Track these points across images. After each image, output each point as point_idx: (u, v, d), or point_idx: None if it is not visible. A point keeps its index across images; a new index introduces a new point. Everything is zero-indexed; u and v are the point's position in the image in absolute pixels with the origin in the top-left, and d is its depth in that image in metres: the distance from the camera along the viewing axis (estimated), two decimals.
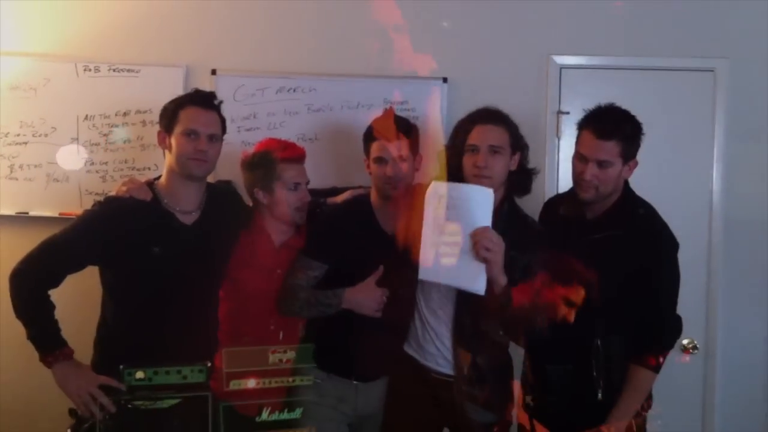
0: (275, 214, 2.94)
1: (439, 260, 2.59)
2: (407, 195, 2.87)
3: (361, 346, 2.84)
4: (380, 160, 2.85)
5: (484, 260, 2.49)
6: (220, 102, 2.84)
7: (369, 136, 2.91)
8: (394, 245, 2.80)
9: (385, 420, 2.95)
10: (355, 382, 2.92)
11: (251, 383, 2.57)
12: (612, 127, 2.67)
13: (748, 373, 3.78)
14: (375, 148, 2.87)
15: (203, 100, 2.77)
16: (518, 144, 2.74)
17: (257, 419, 2.79)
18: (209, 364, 2.58)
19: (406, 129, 2.88)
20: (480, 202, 2.53)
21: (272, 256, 2.94)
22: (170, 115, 2.74)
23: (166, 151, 2.78)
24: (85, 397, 2.52)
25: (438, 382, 2.78)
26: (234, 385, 2.52)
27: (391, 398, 2.95)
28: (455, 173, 2.73)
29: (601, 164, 2.66)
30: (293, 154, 2.94)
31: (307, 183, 2.96)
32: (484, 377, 2.75)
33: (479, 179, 2.65)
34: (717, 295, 3.76)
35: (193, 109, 2.73)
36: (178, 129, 2.71)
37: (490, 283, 2.52)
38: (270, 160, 2.91)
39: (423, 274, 2.66)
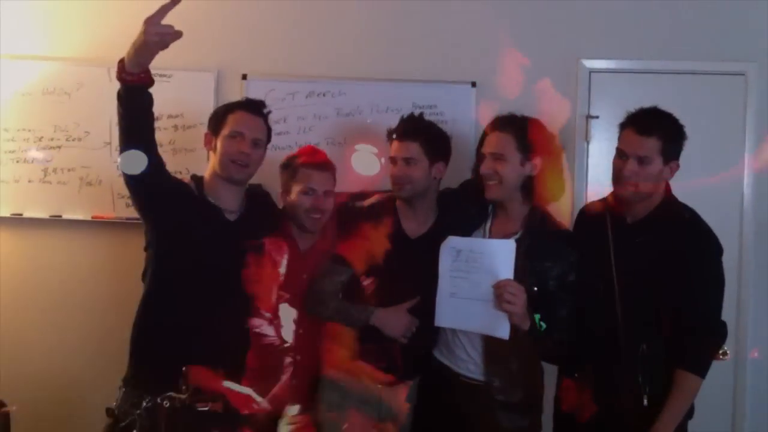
0: (290, 216, 2.96)
1: (459, 309, 2.69)
2: (426, 199, 2.95)
3: (385, 350, 2.86)
4: (392, 160, 2.93)
5: (507, 311, 2.56)
6: (269, 111, 2.91)
7: (387, 137, 2.98)
8: (416, 249, 2.86)
9: (413, 424, 2.94)
10: (378, 385, 2.91)
11: None
12: (653, 124, 2.67)
13: None
14: (390, 147, 2.94)
15: (253, 107, 2.86)
16: (533, 148, 2.72)
17: None
18: None
19: (415, 132, 2.92)
20: (502, 255, 2.61)
21: (297, 261, 2.93)
22: (219, 117, 2.82)
23: (211, 153, 2.84)
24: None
25: (469, 388, 2.78)
26: None
27: (420, 403, 2.94)
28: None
29: (641, 161, 2.64)
30: (313, 159, 2.96)
31: (327, 192, 2.94)
32: (516, 383, 2.75)
33: (487, 188, 2.73)
34: (748, 301, 3.74)
35: (242, 114, 2.81)
36: (224, 131, 2.78)
37: (514, 327, 2.60)
38: (293, 164, 2.96)
39: (441, 321, 2.76)
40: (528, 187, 2.74)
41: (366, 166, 3.13)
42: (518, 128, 2.72)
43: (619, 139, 2.75)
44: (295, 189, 2.92)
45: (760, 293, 3.76)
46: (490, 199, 2.76)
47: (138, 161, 2.57)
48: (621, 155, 2.71)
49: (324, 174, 2.94)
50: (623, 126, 2.75)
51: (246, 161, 2.77)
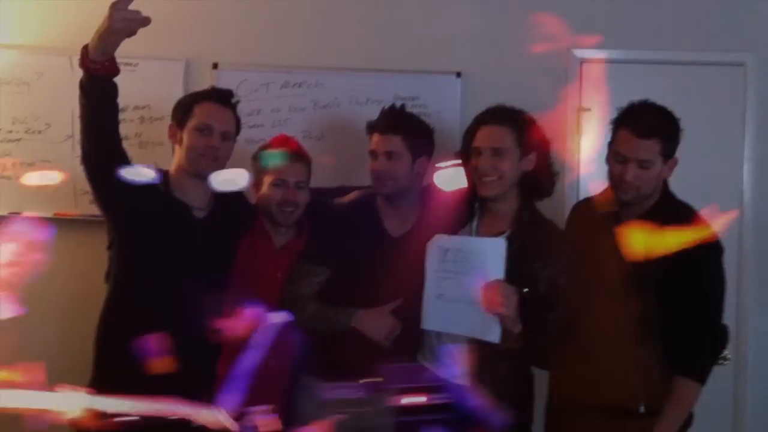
0: (263, 211, 2.93)
1: (447, 311, 2.62)
2: (408, 197, 2.89)
3: (366, 354, 2.70)
4: (372, 154, 2.87)
5: (497, 314, 2.48)
6: (237, 101, 2.86)
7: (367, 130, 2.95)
8: (399, 248, 2.79)
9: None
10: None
11: None
12: (651, 125, 2.61)
13: None
14: (370, 141, 2.90)
15: (220, 97, 2.82)
16: (530, 143, 2.67)
17: None
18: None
19: (397, 125, 2.86)
20: (492, 254, 2.54)
21: (272, 259, 2.91)
22: (185, 109, 2.78)
23: (176, 146, 2.80)
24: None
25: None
26: None
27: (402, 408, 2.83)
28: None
29: (642, 164, 2.60)
30: (280, 149, 2.94)
31: (299, 183, 2.91)
32: (503, 389, 2.56)
33: (484, 185, 2.64)
34: (748, 302, 3.70)
35: (209, 105, 2.77)
36: (191, 123, 2.74)
37: (504, 331, 2.52)
38: (260, 155, 2.96)
39: (428, 324, 2.67)
40: (523, 183, 2.68)
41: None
42: (515, 122, 2.66)
43: (615, 140, 2.70)
44: (266, 181, 2.90)
45: (761, 294, 3.72)
46: (485, 196, 2.67)
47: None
48: (619, 159, 2.65)
49: (296, 165, 2.91)
50: (618, 125, 2.70)
51: (215, 155, 2.73)
